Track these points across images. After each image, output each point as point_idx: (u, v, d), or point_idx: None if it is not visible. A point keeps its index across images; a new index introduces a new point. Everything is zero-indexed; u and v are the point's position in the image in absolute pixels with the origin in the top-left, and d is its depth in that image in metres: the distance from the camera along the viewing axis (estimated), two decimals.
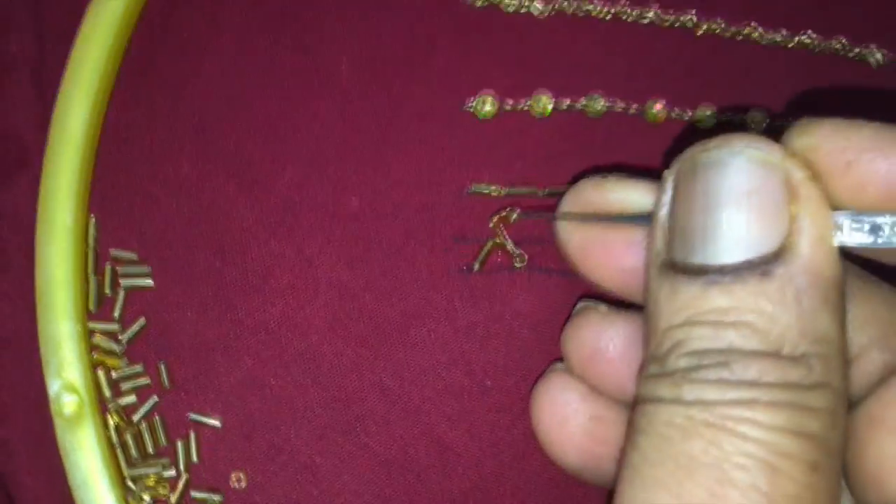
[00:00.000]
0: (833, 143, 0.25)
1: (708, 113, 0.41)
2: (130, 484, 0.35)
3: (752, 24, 0.42)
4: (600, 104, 0.40)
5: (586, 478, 0.32)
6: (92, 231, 0.36)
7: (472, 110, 0.40)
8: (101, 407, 0.35)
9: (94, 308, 0.36)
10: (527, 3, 0.41)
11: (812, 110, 0.33)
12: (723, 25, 0.42)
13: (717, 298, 0.23)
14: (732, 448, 0.22)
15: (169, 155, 0.38)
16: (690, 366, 0.23)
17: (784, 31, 0.43)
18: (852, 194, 0.24)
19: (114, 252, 0.37)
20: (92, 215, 0.37)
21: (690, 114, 0.41)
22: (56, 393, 0.34)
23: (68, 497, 0.34)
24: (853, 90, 0.44)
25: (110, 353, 0.36)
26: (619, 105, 0.41)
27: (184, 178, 0.38)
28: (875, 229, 0.24)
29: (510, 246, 0.38)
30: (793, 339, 0.23)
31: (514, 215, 0.38)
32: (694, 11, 0.42)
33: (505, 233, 0.38)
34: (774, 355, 0.23)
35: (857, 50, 0.43)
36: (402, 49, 0.40)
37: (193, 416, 0.36)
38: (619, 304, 0.32)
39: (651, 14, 0.42)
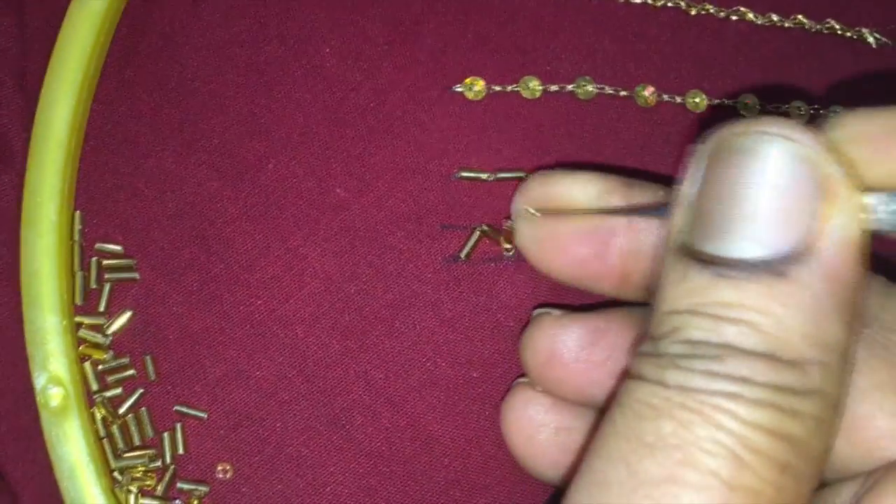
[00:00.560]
0: (869, 131, 0.24)
1: (698, 98, 0.40)
2: (117, 475, 0.35)
3: (744, 8, 0.42)
4: (591, 87, 0.40)
5: (564, 486, 0.32)
6: (77, 225, 0.37)
7: (460, 91, 0.39)
8: (88, 399, 0.36)
9: (80, 301, 0.37)
10: None
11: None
12: (715, 7, 0.42)
13: (725, 292, 0.23)
14: (704, 433, 0.22)
15: (153, 149, 0.38)
16: (682, 353, 0.23)
17: (775, 16, 0.42)
18: (888, 182, 0.24)
19: (99, 246, 0.37)
20: (77, 210, 0.37)
21: (681, 98, 0.40)
22: (42, 386, 0.35)
23: (56, 489, 0.35)
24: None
25: (96, 345, 0.36)
26: (610, 89, 0.40)
27: (168, 171, 0.38)
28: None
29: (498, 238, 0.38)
30: (796, 343, 0.22)
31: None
32: None
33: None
34: (772, 357, 0.22)
35: (855, 29, 0.42)
36: (387, 35, 0.40)
37: (179, 407, 0.36)
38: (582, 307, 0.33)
39: None
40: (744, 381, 0.22)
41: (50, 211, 0.36)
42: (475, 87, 0.39)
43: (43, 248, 0.35)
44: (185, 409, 0.36)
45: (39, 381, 0.35)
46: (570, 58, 0.40)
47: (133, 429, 0.36)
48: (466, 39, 0.40)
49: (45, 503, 0.35)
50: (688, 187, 0.25)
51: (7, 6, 0.37)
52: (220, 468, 0.36)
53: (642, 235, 0.31)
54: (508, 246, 0.38)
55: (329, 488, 0.36)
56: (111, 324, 0.37)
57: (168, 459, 0.36)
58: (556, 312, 0.34)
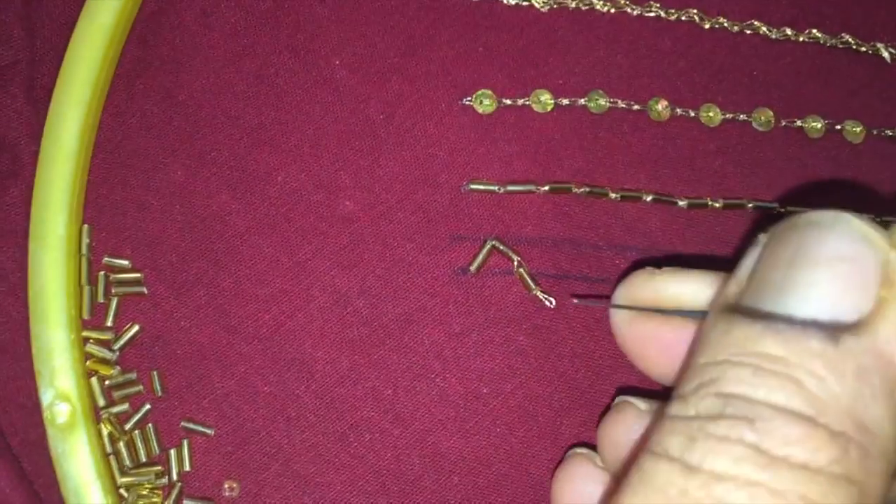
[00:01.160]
0: None
1: (712, 112, 0.40)
2: (123, 492, 0.35)
3: (758, 22, 0.41)
4: (603, 100, 0.39)
5: None
6: (85, 239, 0.36)
7: (470, 104, 0.39)
8: (95, 415, 0.35)
9: (88, 316, 0.36)
10: None
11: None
12: (729, 21, 0.41)
13: (771, 345, 0.21)
14: None
15: (162, 162, 0.38)
16: (713, 411, 0.21)
17: (789, 30, 0.41)
18: None
19: (107, 260, 0.37)
20: (85, 224, 0.37)
21: (695, 112, 0.40)
22: (49, 402, 0.34)
23: None
24: None
25: (103, 361, 0.36)
26: (622, 103, 0.40)
27: (177, 184, 0.37)
28: None
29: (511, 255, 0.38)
30: (837, 412, 0.20)
31: (552, 301, 0.37)
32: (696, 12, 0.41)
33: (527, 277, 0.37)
34: (810, 421, 0.20)
35: (870, 44, 0.42)
36: (398, 47, 0.39)
37: (186, 423, 0.36)
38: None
39: (656, 7, 0.41)
40: (774, 460, 0.20)
41: (58, 224, 0.35)
42: (485, 100, 0.39)
43: (51, 262, 0.35)
44: (191, 426, 0.36)
45: (46, 397, 0.34)
46: (583, 71, 0.40)
47: (140, 445, 0.36)
48: (477, 52, 0.40)
49: None
50: (742, 266, 0.24)
51: (17, 19, 0.37)
52: (226, 486, 0.36)
53: None
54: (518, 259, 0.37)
55: None
56: (118, 339, 0.36)
57: (175, 476, 0.36)
58: (643, 406, 0.31)
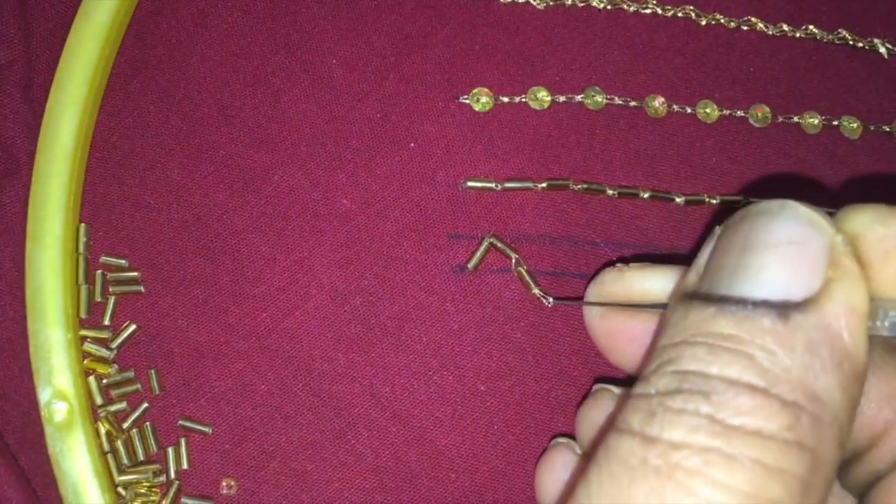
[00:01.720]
0: (873, 231, 0.24)
1: (709, 109, 0.40)
2: (121, 490, 0.35)
3: (755, 18, 0.41)
4: (600, 97, 0.39)
5: None
6: (82, 238, 0.36)
7: (467, 102, 0.39)
8: (92, 413, 0.35)
9: (85, 314, 0.36)
10: None
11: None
12: (726, 17, 0.41)
13: (725, 325, 0.22)
14: (674, 501, 0.21)
15: (159, 161, 0.38)
16: (671, 387, 0.22)
17: (786, 26, 0.41)
18: (891, 285, 0.24)
19: (104, 259, 0.37)
20: (82, 223, 0.37)
21: (691, 108, 0.40)
22: (47, 400, 0.34)
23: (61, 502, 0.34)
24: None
25: (101, 359, 0.36)
26: (619, 99, 0.40)
27: (174, 183, 0.38)
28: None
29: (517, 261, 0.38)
30: (789, 383, 0.21)
31: (551, 300, 0.37)
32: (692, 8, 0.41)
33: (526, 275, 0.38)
34: (763, 392, 0.21)
35: (867, 39, 0.42)
36: (394, 46, 0.39)
37: (184, 422, 0.36)
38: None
39: (652, 4, 0.41)
40: (727, 428, 0.21)
41: (55, 224, 0.36)
42: (482, 98, 0.39)
43: (48, 261, 0.35)
44: (189, 424, 0.36)
45: (44, 395, 0.34)
46: (580, 68, 0.40)
47: (137, 443, 0.36)
48: (474, 50, 0.40)
49: None
50: (700, 257, 0.26)
51: (13, 18, 0.37)
52: (224, 483, 0.36)
53: None
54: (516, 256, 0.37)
55: None
56: (116, 337, 0.36)
57: (172, 474, 0.36)
58: (617, 390, 0.33)
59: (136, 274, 0.37)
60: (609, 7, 0.41)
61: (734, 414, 0.21)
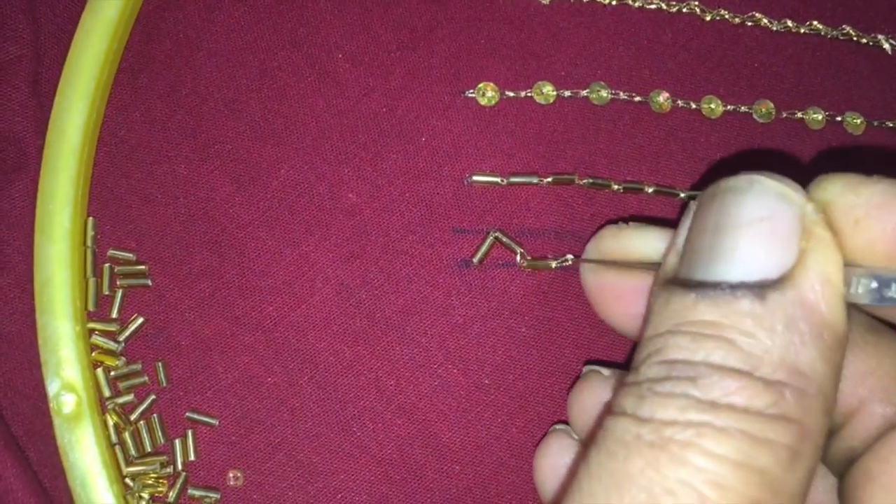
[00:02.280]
0: (844, 199, 0.24)
1: (713, 104, 0.40)
2: (129, 481, 0.35)
3: (759, 14, 0.41)
4: (605, 92, 0.40)
5: None
6: (90, 232, 0.37)
7: (473, 96, 0.39)
8: (100, 405, 0.36)
9: (93, 307, 0.37)
10: None
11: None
12: (730, 13, 0.41)
13: (705, 312, 0.23)
14: (669, 472, 0.21)
15: (166, 155, 0.38)
16: (659, 375, 0.23)
17: (790, 21, 0.42)
18: (862, 252, 0.24)
19: (112, 252, 0.37)
20: (90, 216, 0.37)
21: (696, 104, 0.40)
22: (55, 392, 0.35)
23: (69, 494, 0.35)
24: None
25: (109, 352, 0.36)
26: (624, 95, 0.40)
27: (180, 178, 0.38)
28: (883, 288, 0.23)
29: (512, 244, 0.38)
30: (771, 363, 0.22)
31: (570, 258, 0.38)
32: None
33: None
34: (747, 375, 0.22)
35: (870, 35, 0.42)
36: (400, 40, 0.39)
37: (191, 414, 0.36)
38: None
39: (657, 0, 0.41)
40: (715, 405, 0.22)
41: (63, 217, 0.36)
42: (488, 93, 0.39)
43: (56, 254, 0.36)
44: (196, 416, 0.36)
45: (52, 387, 0.35)
46: (585, 63, 0.40)
47: (145, 435, 0.36)
48: (479, 45, 0.40)
49: None
50: (679, 235, 0.26)
51: (22, 13, 0.37)
52: (231, 475, 0.36)
53: None
54: (521, 251, 0.38)
55: (340, 496, 0.36)
56: (123, 330, 0.37)
57: (179, 466, 0.36)
58: (606, 371, 0.33)
59: (143, 267, 0.37)
60: (614, 2, 0.41)
61: (721, 395, 0.22)
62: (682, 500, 0.21)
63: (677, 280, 0.25)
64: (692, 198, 0.38)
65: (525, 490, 0.37)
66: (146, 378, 0.36)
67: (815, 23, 0.42)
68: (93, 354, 0.36)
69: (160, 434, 0.36)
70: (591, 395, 0.32)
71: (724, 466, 0.21)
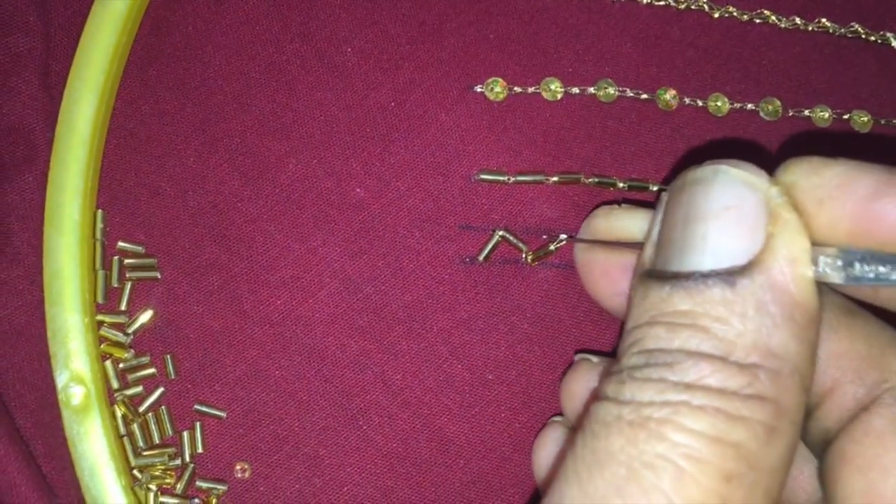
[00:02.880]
0: (808, 181, 0.25)
1: (720, 102, 0.40)
2: (137, 473, 0.36)
3: (767, 11, 0.41)
4: (612, 90, 0.40)
5: None
6: (99, 224, 0.37)
7: (481, 91, 0.39)
8: (109, 397, 0.36)
9: (102, 300, 0.37)
10: None
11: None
12: (738, 10, 0.41)
13: (680, 302, 0.24)
14: (648, 447, 0.22)
15: (175, 148, 0.38)
16: (639, 364, 0.24)
17: (799, 19, 0.42)
18: (828, 231, 0.25)
19: (121, 245, 0.37)
20: (99, 209, 0.37)
21: (702, 101, 0.40)
22: (64, 384, 0.35)
23: (77, 485, 0.35)
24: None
25: (117, 344, 0.37)
26: (631, 92, 0.40)
27: (189, 171, 0.38)
28: (847, 266, 0.24)
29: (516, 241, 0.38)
30: (744, 347, 0.23)
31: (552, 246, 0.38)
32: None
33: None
34: (721, 360, 0.23)
35: (879, 33, 0.42)
36: (409, 34, 0.40)
37: (199, 406, 0.37)
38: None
39: None
40: (691, 386, 0.23)
41: (73, 210, 0.36)
42: (496, 88, 0.39)
43: (65, 246, 0.36)
44: (204, 408, 0.37)
45: (61, 379, 0.35)
46: (592, 60, 0.40)
47: (153, 427, 0.37)
48: (488, 40, 0.40)
49: (73, 498, 0.35)
50: (654, 227, 0.27)
51: (32, 6, 0.37)
52: (238, 467, 0.37)
53: None
54: (525, 249, 0.38)
55: (346, 488, 0.37)
56: (132, 322, 0.37)
57: (187, 458, 0.36)
58: (595, 359, 0.34)
59: (152, 260, 0.37)
60: (622, 0, 0.41)
61: (697, 378, 0.23)
62: (660, 474, 0.22)
63: (653, 273, 0.26)
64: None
65: (527, 482, 0.37)
66: (154, 370, 0.37)
67: (823, 20, 0.42)
68: (101, 346, 0.36)
69: (168, 426, 0.37)
70: (581, 381, 0.33)
71: (700, 441, 0.22)
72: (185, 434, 0.37)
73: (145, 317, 0.37)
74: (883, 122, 0.41)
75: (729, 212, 0.25)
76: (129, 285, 0.37)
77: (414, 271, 0.38)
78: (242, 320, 0.37)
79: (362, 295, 0.38)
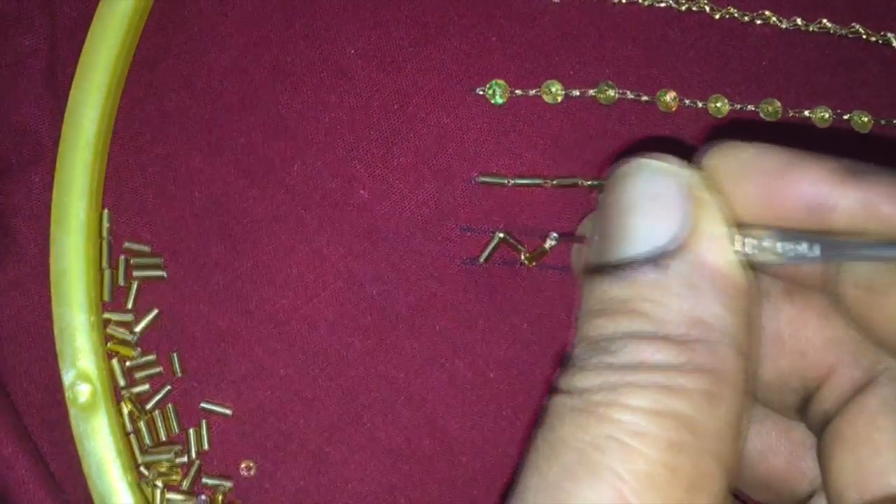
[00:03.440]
0: (725, 165, 0.26)
1: (720, 104, 0.41)
2: (143, 470, 0.36)
3: (768, 12, 0.42)
4: (612, 92, 0.40)
5: None
6: (106, 224, 0.37)
7: (483, 94, 0.39)
8: (115, 395, 0.37)
9: (109, 298, 0.37)
10: None
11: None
12: (739, 11, 0.42)
13: (618, 290, 0.25)
14: (595, 430, 0.23)
15: (180, 148, 0.38)
16: (584, 354, 0.25)
17: (800, 20, 0.42)
18: (744, 211, 0.26)
19: (127, 244, 0.38)
20: (105, 208, 0.38)
21: (703, 103, 0.40)
22: (70, 382, 0.35)
23: (84, 482, 0.35)
24: None
25: (124, 342, 0.37)
26: (631, 94, 0.40)
27: (195, 171, 0.38)
28: (771, 244, 0.25)
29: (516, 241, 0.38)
30: (680, 324, 0.24)
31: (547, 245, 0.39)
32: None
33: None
34: (659, 338, 0.24)
35: (881, 34, 0.42)
36: (412, 37, 0.40)
37: (205, 404, 0.37)
38: None
39: None
40: (631, 367, 0.24)
41: (79, 209, 0.36)
42: (498, 90, 0.40)
43: (72, 245, 0.36)
44: (210, 406, 0.37)
45: (68, 377, 0.35)
46: (593, 62, 0.41)
47: (159, 425, 0.37)
48: (490, 43, 0.40)
49: (80, 495, 0.36)
50: (595, 228, 0.28)
51: (38, 6, 0.38)
52: (243, 465, 0.37)
53: None
54: (527, 253, 0.38)
55: (350, 485, 0.37)
56: (139, 321, 0.37)
57: (193, 455, 0.37)
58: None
59: (159, 259, 0.38)
60: (623, 1, 0.41)
61: (637, 359, 0.24)
62: (608, 453, 0.23)
63: (593, 267, 0.27)
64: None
65: None
66: (161, 368, 0.37)
67: (824, 21, 0.42)
68: (108, 345, 0.37)
69: (175, 423, 0.37)
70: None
71: (643, 417, 0.23)
72: (192, 431, 0.37)
73: (151, 315, 0.37)
74: (883, 122, 0.42)
75: (654, 200, 0.26)
76: (135, 284, 0.37)
77: (417, 272, 0.38)
78: (248, 319, 0.38)
79: (366, 295, 0.38)
